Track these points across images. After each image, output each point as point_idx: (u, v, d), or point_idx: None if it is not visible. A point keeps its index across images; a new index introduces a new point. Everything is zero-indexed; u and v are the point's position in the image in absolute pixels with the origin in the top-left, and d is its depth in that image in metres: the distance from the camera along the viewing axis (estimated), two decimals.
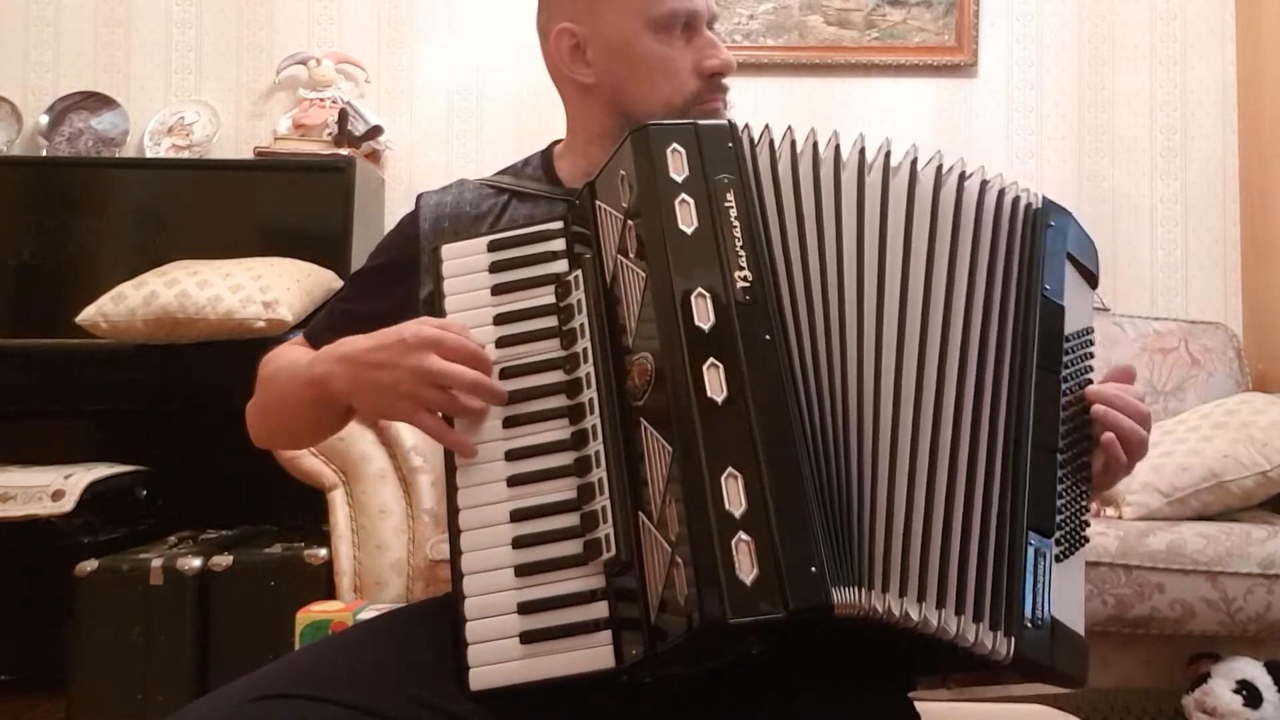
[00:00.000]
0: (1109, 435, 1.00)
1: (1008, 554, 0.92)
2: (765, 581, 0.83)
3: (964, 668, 0.97)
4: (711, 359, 0.90)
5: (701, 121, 1.01)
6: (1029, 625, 0.90)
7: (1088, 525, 0.99)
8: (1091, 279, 1.11)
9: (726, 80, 1.20)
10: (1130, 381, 1.06)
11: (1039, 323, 1.01)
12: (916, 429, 0.95)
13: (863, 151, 1.04)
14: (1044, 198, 1.09)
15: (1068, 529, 0.96)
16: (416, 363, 0.97)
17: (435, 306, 1.06)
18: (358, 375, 1.02)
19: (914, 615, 0.89)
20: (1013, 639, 0.90)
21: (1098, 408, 1.01)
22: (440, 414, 1.01)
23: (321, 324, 1.24)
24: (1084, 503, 1.00)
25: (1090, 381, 1.04)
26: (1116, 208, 3.13)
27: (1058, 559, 0.94)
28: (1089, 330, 1.07)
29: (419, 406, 0.99)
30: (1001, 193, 1.07)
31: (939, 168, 1.06)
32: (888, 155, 1.04)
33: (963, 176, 1.06)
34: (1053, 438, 0.98)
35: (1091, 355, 1.06)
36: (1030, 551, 0.93)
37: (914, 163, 1.05)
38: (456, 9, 3.20)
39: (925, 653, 0.95)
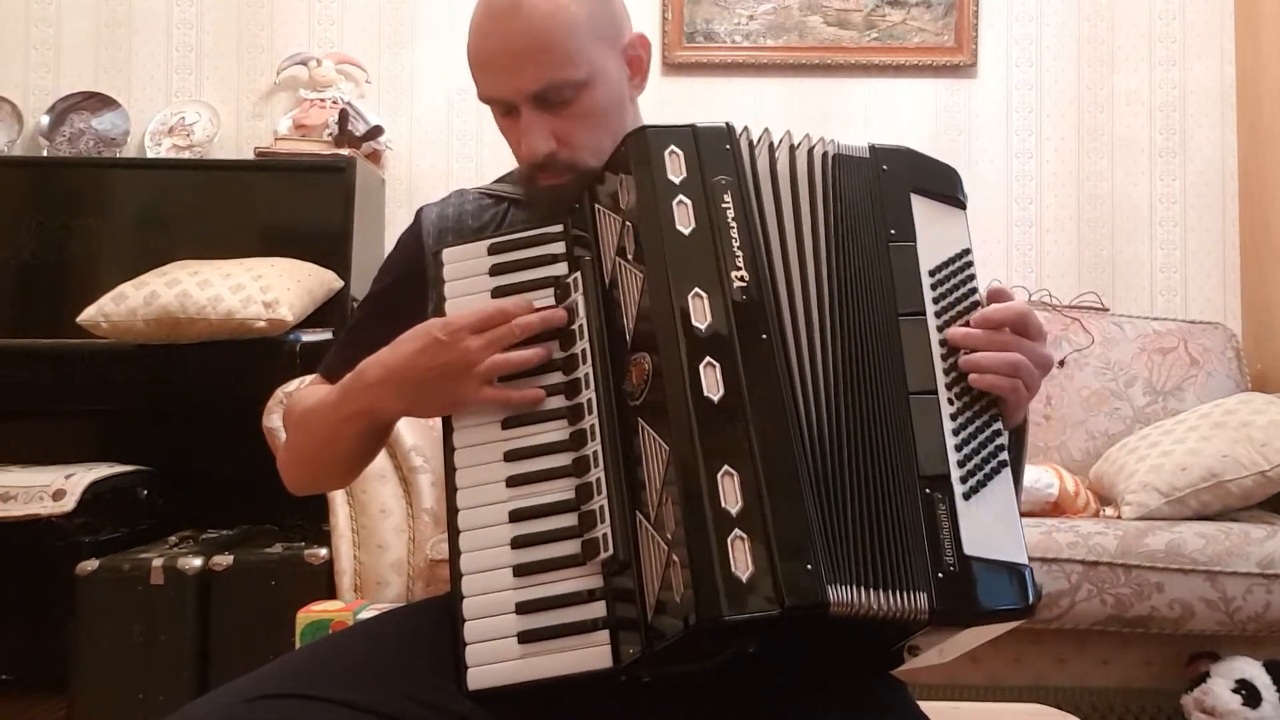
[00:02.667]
0: (975, 376, 0.97)
1: (905, 510, 0.92)
2: (761, 579, 0.83)
3: (910, 634, 0.96)
4: (708, 358, 0.91)
5: (700, 124, 1.01)
6: (940, 576, 0.89)
7: (1002, 449, 0.97)
8: (952, 201, 1.06)
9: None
10: (1006, 300, 1.02)
11: (893, 270, 1.00)
12: (868, 418, 0.95)
13: (821, 154, 1.05)
14: (872, 146, 1.07)
15: (973, 462, 0.95)
16: (460, 351, 0.99)
17: (437, 311, 1.06)
18: (406, 387, 1.02)
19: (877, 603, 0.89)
20: (924, 595, 0.89)
21: (962, 358, 0.98)
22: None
23: (335, 358, 1.22)
24: (993, 428, 0.97)
25: (977, 304, 1.02)
26: (1115, 208, 3.13)
27: (966, 496, 0.93)
28: (962, 254, 1.04)
29: (481, 386, 0.99)
30: (810, 153, 1.05)
31: (770, 146, 1.04)
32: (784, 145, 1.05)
33: (792, 149, 1.04)
34: (929, 381, 0.97)
35: (972, 277, 1.03)
36: (926, 501, 0.92)
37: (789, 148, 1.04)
38: (457, 9, 3.20)
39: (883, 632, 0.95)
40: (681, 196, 0.97)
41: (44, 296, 2.89)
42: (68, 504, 2.35)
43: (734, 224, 0.96)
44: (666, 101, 3.05)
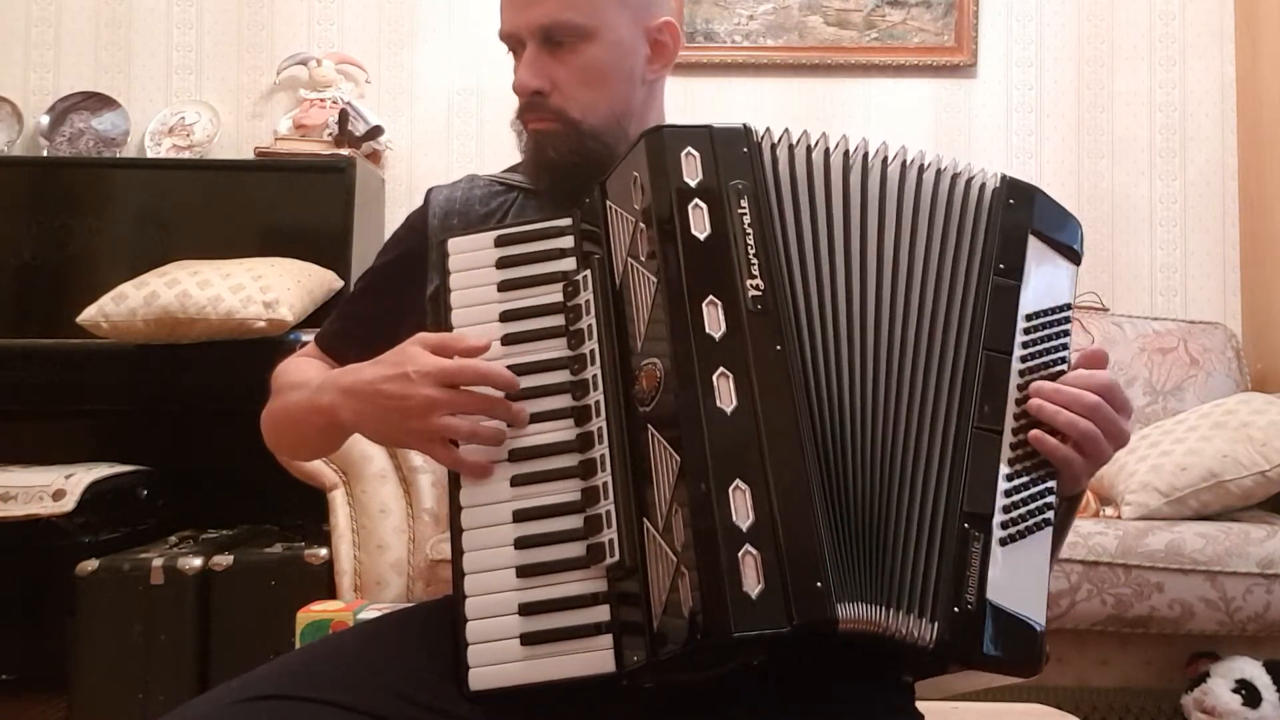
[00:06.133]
0: (1035, 432, 0.95)
1: (939, 539, 0.90)
2: (771, 596, 0.82)
3: (909, 664, 0.95)
4: (722, 368, 0.89)
5: (717, 125, 1.00)
6: (955, 610, 0.88)
7: (1050, 508, 0.95)
8: (1067, 252, 1.05)
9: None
10: (1099, 366, 1.00)
11: (989, 303, 0.98)
12: (908, 438, 0.94)
13: (866, 155, 1.03)
14: (1005, 177, 1.05)
15: (1018, 512, 0.93)
16: (424, 395, 0.96)
17: (441, 301, 1.05)
18: (364, 408, 1.00)
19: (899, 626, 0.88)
20: (935, 625, 0.87)
21: (1032, 402, 0.96)
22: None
23: (331, 328, 1.23)
24: (1047, 484, 0.95)
25: (1065, 359, 1.00)
26: (1115, 208, 3.13)
27: (1002, 542, 0.91)
28: (1062, 308, 1.02)
29: (429, 438, 0.97)
30: (955, 178, 1.04)
31: (902, 163, 1.03)
32: (879, 158, 1.04)
33: (921, 169, 1.03)
34: (997, 420, 0.95)
35: (1066, 333, 1.01)
36: (962, 535, 0.90)
37: (882, 161, 1.03)
38: (456, 9, 3.20)
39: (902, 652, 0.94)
40: (697, 200, 0.95)
41: (44, 297, 2.89)
42: (68, 504, 2.35)
43: (750, 230, 0.94)
44: (666, 101, 3.04)
